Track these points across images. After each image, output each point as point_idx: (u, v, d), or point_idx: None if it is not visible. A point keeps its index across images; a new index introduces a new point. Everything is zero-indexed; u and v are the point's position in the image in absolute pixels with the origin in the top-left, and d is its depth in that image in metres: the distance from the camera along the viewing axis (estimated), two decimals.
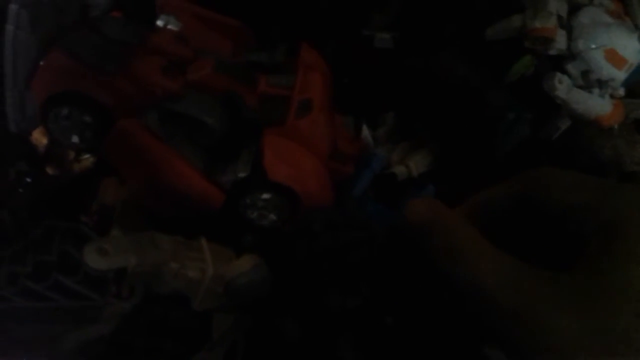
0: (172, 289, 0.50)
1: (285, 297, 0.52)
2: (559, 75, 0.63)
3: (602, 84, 0.64)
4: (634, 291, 0.20)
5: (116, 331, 0.48)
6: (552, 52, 0.63)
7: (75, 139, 0.57)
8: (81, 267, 0.46)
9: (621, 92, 0.66)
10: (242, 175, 0.56)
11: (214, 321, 0.52)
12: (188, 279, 0.49)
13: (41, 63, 0.55)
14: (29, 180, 0.60)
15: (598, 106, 0.65)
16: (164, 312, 0.51)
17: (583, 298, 0.21)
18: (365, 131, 0.63)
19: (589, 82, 0.66)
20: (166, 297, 0.50)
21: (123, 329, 0.48)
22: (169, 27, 0.65)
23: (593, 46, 0.64)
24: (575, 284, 0.21)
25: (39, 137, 0.67)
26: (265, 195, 0.57)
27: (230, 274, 0.50)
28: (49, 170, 0.65)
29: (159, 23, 0.64)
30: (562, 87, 0.63)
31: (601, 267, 0.21)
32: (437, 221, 0.24)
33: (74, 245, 0.48)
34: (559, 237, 0.24)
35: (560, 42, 0.63)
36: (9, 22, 0.52)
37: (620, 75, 0.64)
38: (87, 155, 0.66)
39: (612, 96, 0.66)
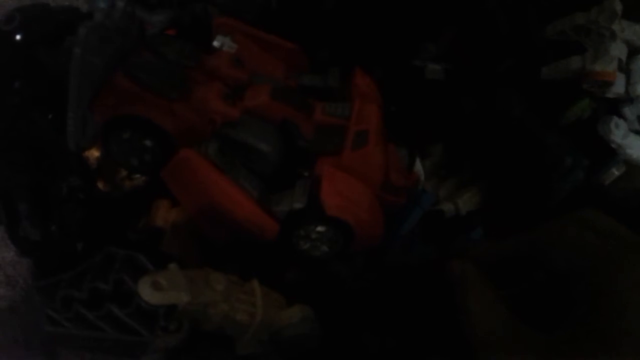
0: (218, 327, 0.49)
1: (330, 347, 0.52)
2: (615, 119, 0.63)
3: None
4: None
5: None
6: (609, 95, 0.63)
7: (134, 161, 0.57)
8: (134, 299, 0.46)
9: None
10: (297, 206, 0.56)
11: None
12: (236, 322, 0.49)
13: (104, 86, 0.55)
14: (81, 196, 0.60)
15: None
16: (207, 351, 0.51)
17: None
18: (418, 165, 0.62)
19: None
20: (210, 336, 0.50)
21: None
22: (225, 48, 0.65)
23: None
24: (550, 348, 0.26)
25: (91, 150, 0.67)
26: (320, 228, 0.56)
27: (278, 324, 0.50)
28: (100, 186, 0.65)
29: (215, 44, 0.65)
30: (619, 131, 0.62)
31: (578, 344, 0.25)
32: (462, 281, 0.32)
33: (130, 274, 0.48)
34: (557, 292, 0.28)
35: (619, 85, 0.62)
36: (77, 45, 0.52)
37: None
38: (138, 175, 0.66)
39: None
